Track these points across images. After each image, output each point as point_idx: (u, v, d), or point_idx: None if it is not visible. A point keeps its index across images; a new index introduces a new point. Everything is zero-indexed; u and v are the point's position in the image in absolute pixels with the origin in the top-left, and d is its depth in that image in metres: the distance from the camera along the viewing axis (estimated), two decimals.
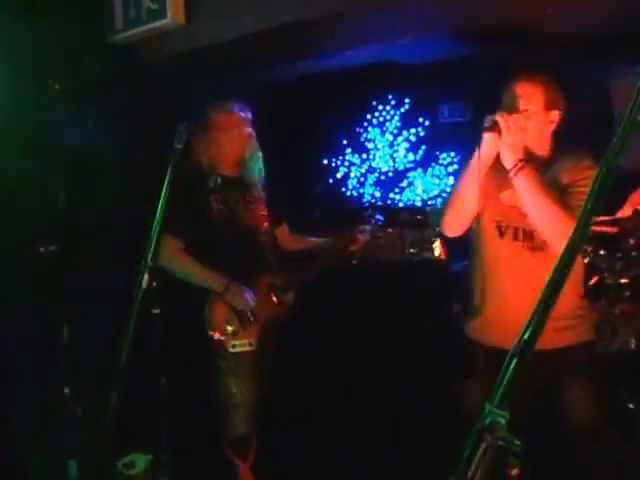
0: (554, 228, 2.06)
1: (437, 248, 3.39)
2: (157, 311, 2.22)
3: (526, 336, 0.98)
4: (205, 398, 2.97)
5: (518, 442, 0.96)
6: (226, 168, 3.00)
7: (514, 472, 0.97)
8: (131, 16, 3.21)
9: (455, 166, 5.10)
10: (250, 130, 2.99)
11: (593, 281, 3.06)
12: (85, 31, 3.24)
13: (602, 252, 3.15)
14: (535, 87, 2.24)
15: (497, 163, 2.20)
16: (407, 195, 5.39)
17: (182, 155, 2.22)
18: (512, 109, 2.19)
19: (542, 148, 2.31)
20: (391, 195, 5.41)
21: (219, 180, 2.95)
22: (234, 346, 2.82)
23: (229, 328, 2.83)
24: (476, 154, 2.16)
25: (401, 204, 5.33)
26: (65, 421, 3.05)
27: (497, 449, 0.96)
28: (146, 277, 2.09)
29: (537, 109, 2.22)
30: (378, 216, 3.22)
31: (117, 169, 3.29)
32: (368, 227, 3.17)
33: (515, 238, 2.27)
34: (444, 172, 5.20)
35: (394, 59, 4.85)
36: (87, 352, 3.17)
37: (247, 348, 2.84)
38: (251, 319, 2.85)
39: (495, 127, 2.13)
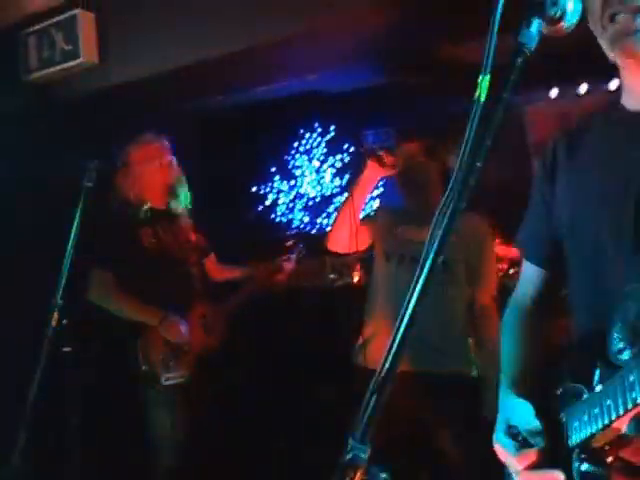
0: None
1: (356, 274, 3.47)
2: (69, 349, 2.22)
3: (385, 367, 0.93)
4: (134, 432, 2.95)
5: (384, 475, 0.97)
6: (153, 200, 3.02)
7: None
8: (45, 56, 3.21)
9: (381, 189, 5.21)
10: (170, 159, 3.03)
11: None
12: None
13: (512, 271, 3.27)
14: (415, 144, 2.69)
15: (394, 205, 2.69)
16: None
17: (92, 193, 2.24)
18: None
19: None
20: (319, 220, 5.50)
21: (148, 213, 2.97)
22: (167, 379, 2.81)
23: (163, 361, 2.81)
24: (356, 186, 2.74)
25: (329, 229, 5.39)
26: None
27: None
28: (55, 315, 2.10)
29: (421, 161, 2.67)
30: (301, 244, 3.29)
31: (28, 208, 3.26)
32: (293, 255, 3.24)
33: (399, 264, 2.50)
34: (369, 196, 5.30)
35: (318, 89, 4.97)
36: None
37: (181, 380, 2.83)
38: (186, 351, 2.85)
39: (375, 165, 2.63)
